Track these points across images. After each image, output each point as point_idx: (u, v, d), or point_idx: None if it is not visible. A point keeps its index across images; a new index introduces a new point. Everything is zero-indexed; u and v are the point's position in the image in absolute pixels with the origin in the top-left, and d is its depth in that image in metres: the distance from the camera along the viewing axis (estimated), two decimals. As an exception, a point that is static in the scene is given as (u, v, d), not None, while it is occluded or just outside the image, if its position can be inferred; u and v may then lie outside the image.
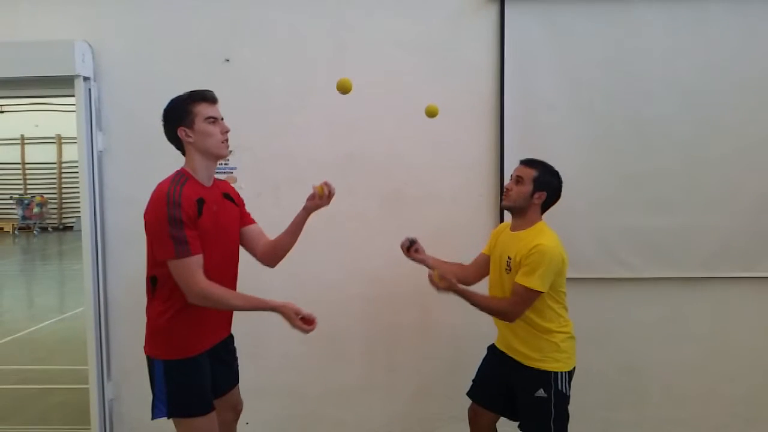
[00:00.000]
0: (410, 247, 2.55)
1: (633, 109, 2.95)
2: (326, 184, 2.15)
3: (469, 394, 2.54)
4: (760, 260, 3.00)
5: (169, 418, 2.05)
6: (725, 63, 2.92)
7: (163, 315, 2.03)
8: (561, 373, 2.29)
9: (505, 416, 2.47)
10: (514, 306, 2.27)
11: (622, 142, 2.97)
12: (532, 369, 2.31)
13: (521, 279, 2.24)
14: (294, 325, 2.00)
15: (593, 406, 3.07)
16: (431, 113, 2.36)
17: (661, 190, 2.97)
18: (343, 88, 2.21)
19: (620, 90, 2.95)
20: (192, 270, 1.92)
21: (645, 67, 2.94)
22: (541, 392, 2.28)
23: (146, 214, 1.99)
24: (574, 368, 2.37)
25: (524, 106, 2.97)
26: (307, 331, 2.01)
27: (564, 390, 2.30)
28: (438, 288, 2.30)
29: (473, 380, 2.55)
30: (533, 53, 2.95)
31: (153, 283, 2.04)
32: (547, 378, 2.29)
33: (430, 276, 2.32)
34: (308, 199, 2.18)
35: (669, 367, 3.11)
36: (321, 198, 2.15)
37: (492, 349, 2.54)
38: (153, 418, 2.08)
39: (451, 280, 2.28)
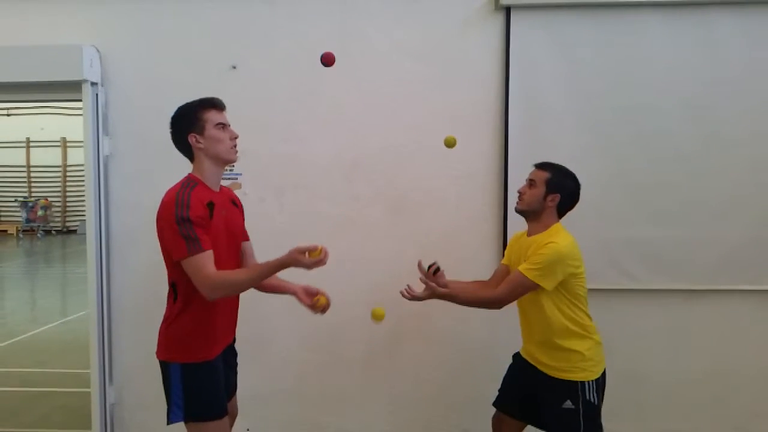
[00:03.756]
0: (436, 272, 2.37)
1: (637, 120, 2.96)
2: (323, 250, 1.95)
3: (495, 403, 2.50)
4: (764, 273, 2.99)
5: (186, 423, 2.05)
6: (729, 75, 2.93)
7: (184, 319, 2.04)
8: (588, 382, 2.23)
9: (531, 424, 2.43)
10: (501, 292, 2.26)
11: (626, 153, 2.97)
12: (558, 380, 2.25)
13: (521, 267, 2.22)
14: (307, 266, 1.92)
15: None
16: (449, 143, 2.41)
17: (665, 202, 2.97)
18: (449, 143, 2.38)
19: (624, 100, 2.95)
20: (202, 264, 1.91)
21: (649, 77, 2.95)
22: (568, 404, 2.22)
23: (158, 221, 2.01)
24: (604, 374, 2.31)
25: (528, 115, 2.98)
26: (317, 264, 1.92)
27: (592, 399, 2.23)
28: (413, 298, 2.31)
29: (499, 389, 2.51)
30: (538, 63, 2.97)
31: (174, 288, 2.05)
32: (573, 388, 2.23)
33: (402, 292, 2.31)
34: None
35: (672, 378, 3.09)
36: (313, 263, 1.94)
37: (516, 357, 2.50)
38: (169, 423, 2.07)
39: (432, 286, 2.27)
